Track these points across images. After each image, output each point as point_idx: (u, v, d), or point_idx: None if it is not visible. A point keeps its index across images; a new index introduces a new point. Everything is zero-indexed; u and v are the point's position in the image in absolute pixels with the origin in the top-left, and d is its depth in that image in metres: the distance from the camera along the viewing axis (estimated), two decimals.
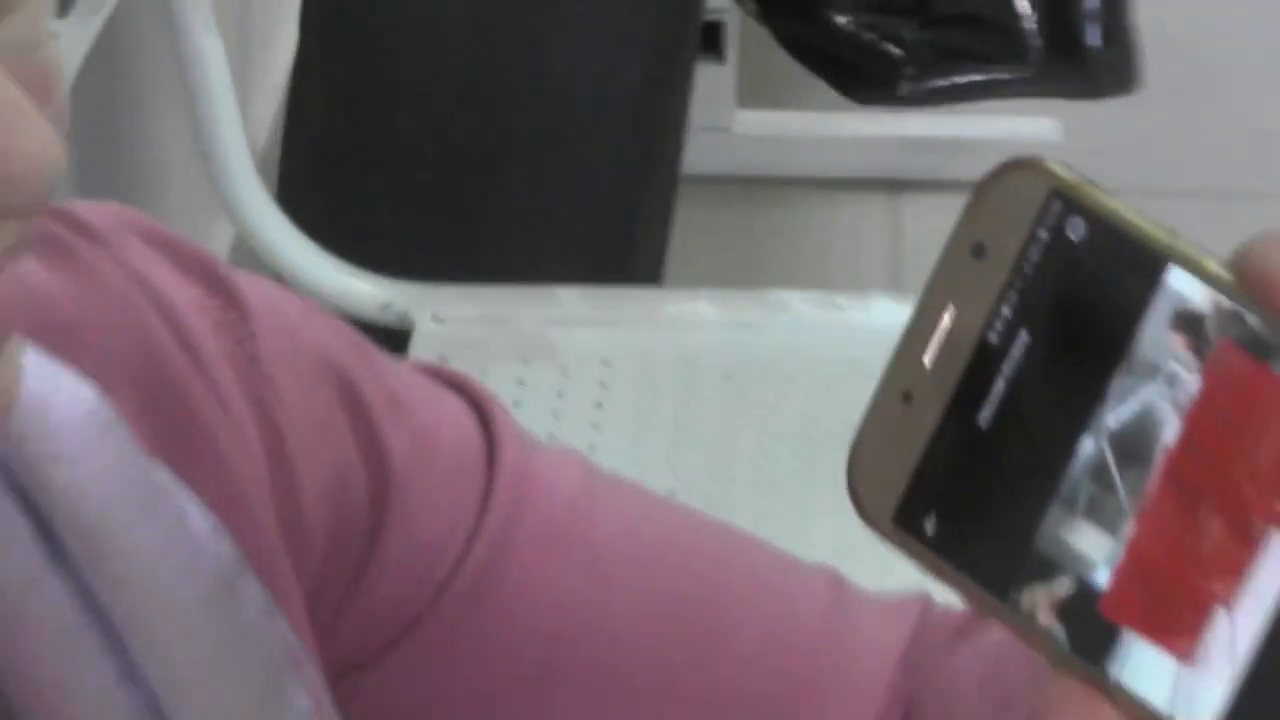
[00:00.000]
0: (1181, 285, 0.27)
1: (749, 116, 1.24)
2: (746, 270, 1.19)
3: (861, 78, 1.02)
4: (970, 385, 0.29)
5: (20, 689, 0.36)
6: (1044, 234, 0.28)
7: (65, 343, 0.37)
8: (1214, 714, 0.28)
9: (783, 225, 1.29)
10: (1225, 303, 0.28)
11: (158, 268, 0.40)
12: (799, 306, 0.77)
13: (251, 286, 0.42)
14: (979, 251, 0.29)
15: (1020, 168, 0.29)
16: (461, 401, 0.43)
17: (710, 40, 1.16)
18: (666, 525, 0.46)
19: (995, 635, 0.42)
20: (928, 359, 0.29)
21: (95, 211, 0.40)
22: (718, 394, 0.76)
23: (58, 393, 0.36)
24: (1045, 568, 0.29)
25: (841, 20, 1.01)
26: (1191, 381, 0.28)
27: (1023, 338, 0.29)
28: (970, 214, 0.29)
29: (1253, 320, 0.27)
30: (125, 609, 0.36)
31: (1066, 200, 0.28)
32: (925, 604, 0.46)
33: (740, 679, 0.45)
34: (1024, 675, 0.38)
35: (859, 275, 1.22)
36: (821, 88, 1.10)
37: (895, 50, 1.01)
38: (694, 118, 1.01)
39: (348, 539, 0.41)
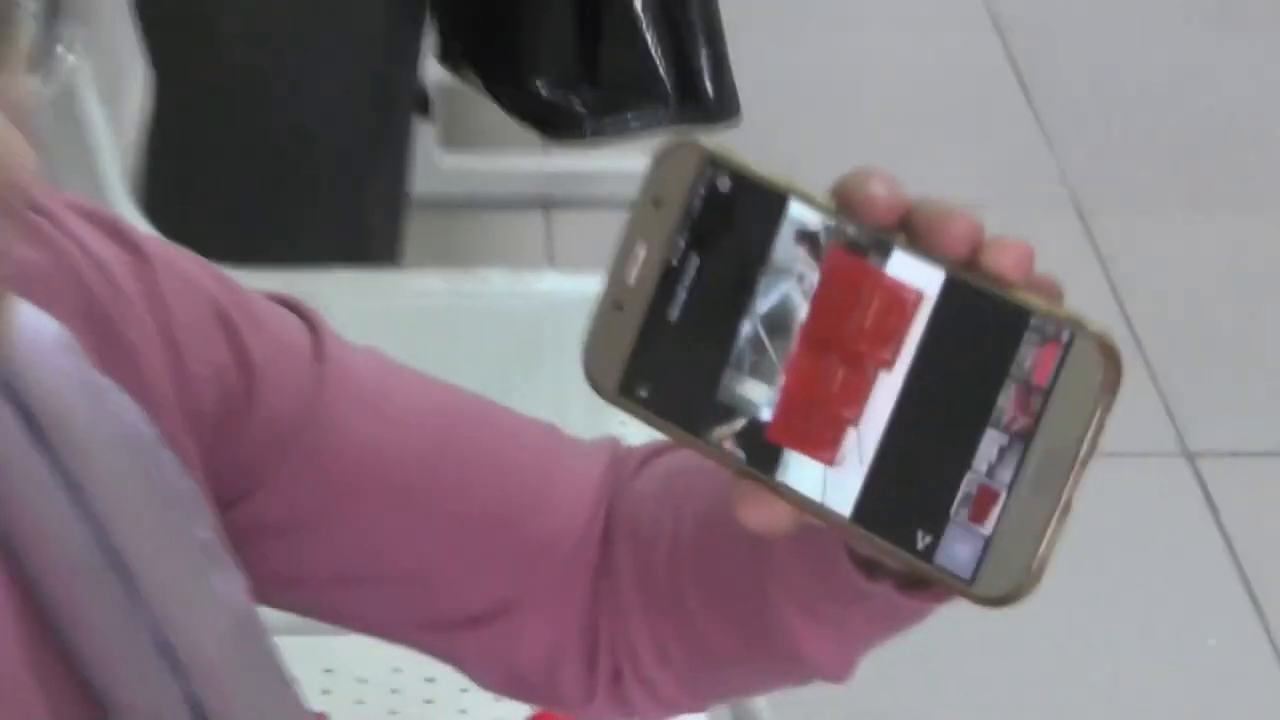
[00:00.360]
0: (800, 213, 0.36)
1: (449, 159, 1.65)
2: (452, 259, 1.59)
3: (557, 126, 1.32)
4: (661, 293, 0.37)
5: (12, 527, 0.46)
6: (701, 187, 0.37)
7: (33, 290, 0.45)
8: (851, 498, 0.36)
9: (474, 235, 1.66)
10: (829, 220, 0.36)
11: (89, 234, 0.50)
12: (497, 279, 1.11)
13: (150, 243, 0.52)
14: (658, 203, 0.37)
15: (683, 144, 0.37)
16: (294, 315, 0.55)
17: (421, 105, 1.48)
18: (438, 390, 0.57)
19: (666, 462, 0.54)
20: (630, 279, 0.37)
21: (45, 195, 0.47)
22: (440, 345, 1.02)
23: (32, 326, 0.45)
24: (727, 411, 0.37)
25: (542, 88, 1.30)
26: (813, 275, 0.36)
27: (694, 258, 0.37)
28: (650, 176, 0.37)
29: (849, 229, 0.35)
30: (83, 470, 0.46)
31: (715, 163, 0.37)
32: (615, 441, 0.57)
33: (489, 488, 0.56)
34: (699, 483, 0.49)
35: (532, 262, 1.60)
36: (499, 133, 1.46)
37: (580, 106, 1.30)
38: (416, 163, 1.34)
39: (229, 415, 0.51)
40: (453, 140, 1.63)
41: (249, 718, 0.51)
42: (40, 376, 0.47)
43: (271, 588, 0.55)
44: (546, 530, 0.56)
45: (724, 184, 0.38)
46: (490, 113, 1.43)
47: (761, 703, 1.06)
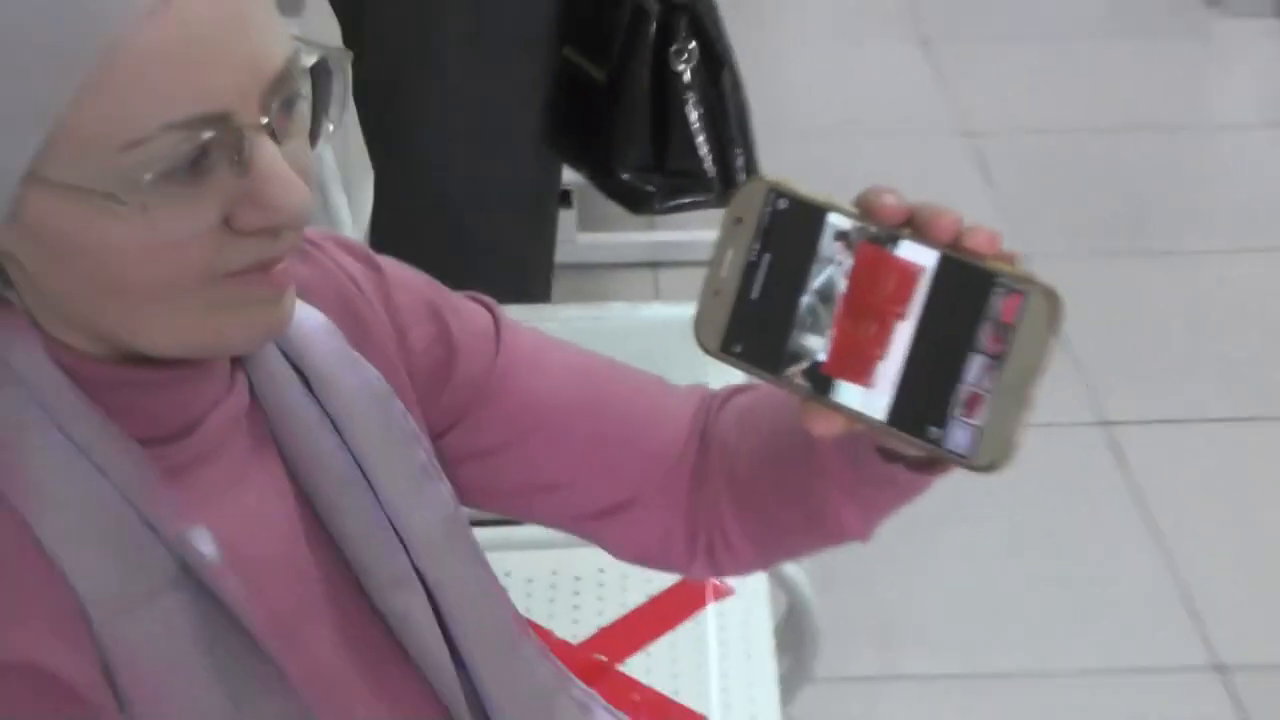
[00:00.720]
0: (836, 220, 0.51)
1: (585, 236, 2.30)
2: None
3: (636, 202, 1.65)
4: (745, 281, 0.52)
5: (297, 454, 0.62)
6: (768, 206, 0.52)
7: (308, 294, 0.62)
8: (884, 409, 0.50)
9: (604, 289, 2.30)
10: (857, 223, 0.50)
11: (343, 257, 0.67)
12: (618, 308, 1.59)
13: (384, 261, 0.69)
14: (738, 220, 0.53)
15: (754, 179, 0.51)
16: (481, 306, 0.72)
17: (565, 198, 2.02)
18: (580, 354, 0.74)
19: (741, 400, 0.69)
20: (723, 273, 0.52)
21: (311, 232, 0.60)
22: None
23: (308, 318, 0.61)
24: (794, 357, 0.51)
25: (625, 176, 1.64)
26: (848, 261, 0.50)
27: (766, 256, 0.52)
28: (732, 203, 0.52)
29: (870, 228, 0.50)
30: (343, 415, 0.63)
31: (776, 190, 0.51)
32: (704, 387, 0.73)
33: (617, 418, 0.73)
34: (767, 413, 0.64)
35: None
36: (617, 218, 1.99)
37: (651, 189, 1.64)
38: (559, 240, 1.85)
39: (438, 375, 0.69)
40: (586, 223, 2.30)
41: (456, 583, 0.68)
42: (313, 350, 0.64)
43: (472, 496, 0.73)
44: (656, 446, 0.73)
45: (782, 204, 0.53)
46: (610, 204, 1.98)
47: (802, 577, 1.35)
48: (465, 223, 1.58)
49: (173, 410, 0.61)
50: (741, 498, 0.70)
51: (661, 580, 1.28)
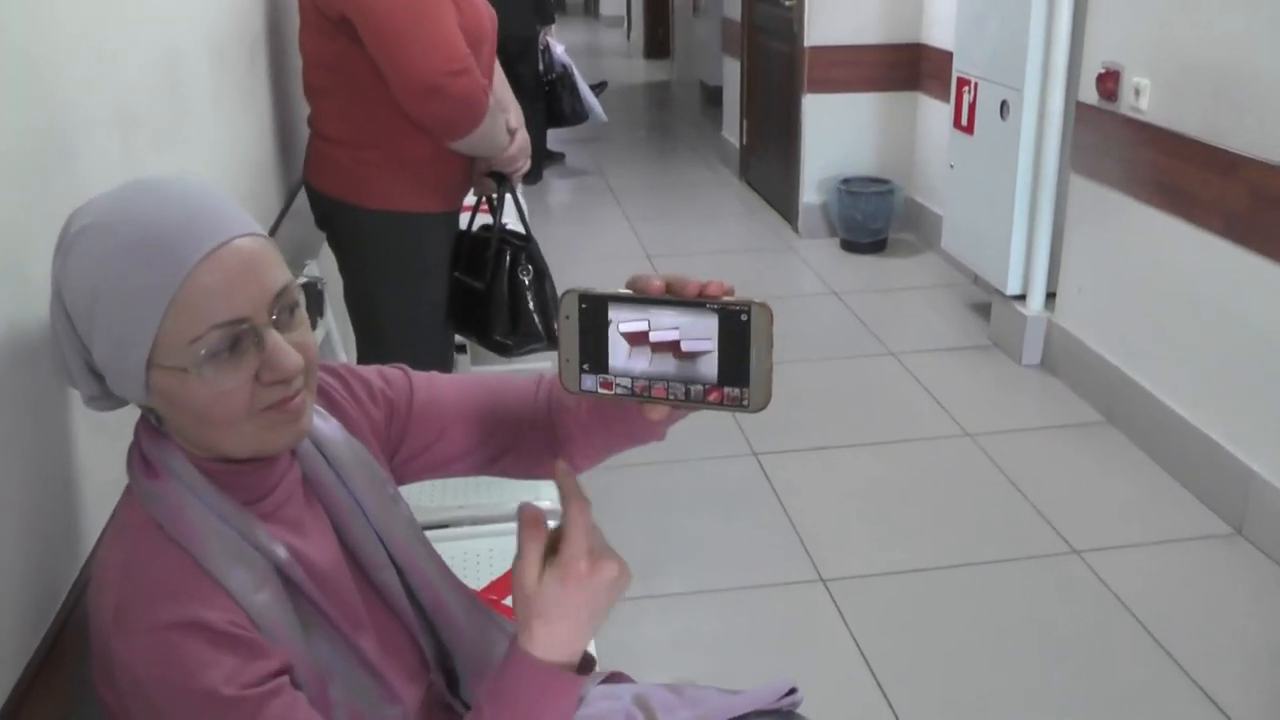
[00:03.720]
0: (619, 306, 0.80)
1: (474, 367, 3.16)
2: None
3: (504, 350, 2.20)
4: (583, 349, 0.82)
5: (329, 505, 0.93)
6: (581, 304, 0.81)
7: (320, 407, 0.98)
8: (684, 394, 0.80)
9: None
10: (638, 297, 0.80)
11: (326, 377, 1.01)
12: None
13: (342, 369, 1.02)
14: (567, 318, 0.81)
15: (569, 292, 0.80)
16: (399, 371, 1.05)
17: (461, 349, 2.72)
18: (461, 377, 1.05)
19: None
20: (566, 348, 0.82)
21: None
22: None
23: (323, 423, 0.97)
24: (621, 385, 0.81)
25: (497, 337, 2.21)
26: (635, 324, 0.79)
27: (588, 333, 0.80)
28: (560, 309, 0.81)
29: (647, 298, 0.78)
30: (349, 477, 0.96)
31: (581, 294, 0.81)
32: (538, 374, 1.04)
33: (489, 396, 1.02)
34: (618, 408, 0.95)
35: None
36: (491, 357, 3.02)
37: (510, 343, 2.20)
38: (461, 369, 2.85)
39: (387, 422, 1.02)
40: (476, 360, 3.25)
41: (416, 565, 0.96)
42: (327, 442, 0.94)
43: (428, 474, 1.04)
44: (518, 412, 1.03)
45: (588, 301, 0.79)
46: (486, 352, 2.90)
47: None
48: (406, 358, 2.11)
49: (256, 483, 0.89)
50: (584, 434, 0.96)
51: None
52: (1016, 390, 3.44)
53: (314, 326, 0.90)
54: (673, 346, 0.82)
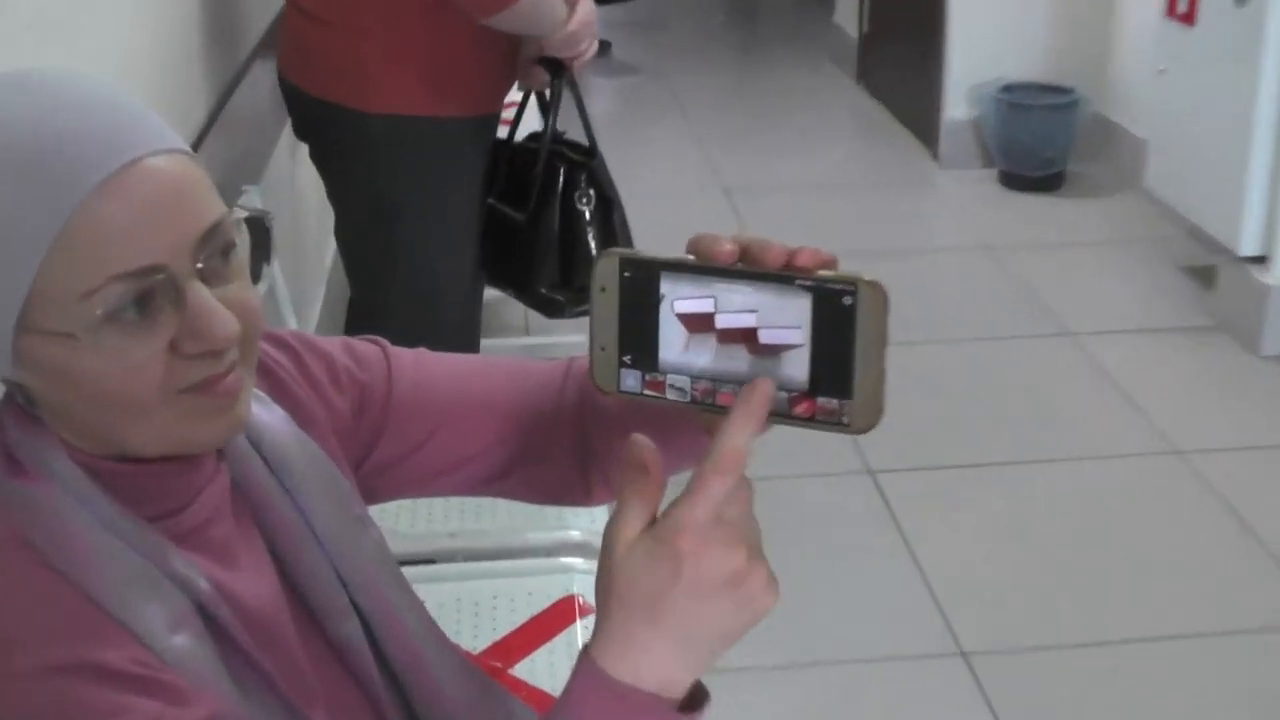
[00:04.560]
0: (676, 278, 0.85)
1: (485, 341, 3.14)
2: None
3: (552, 309, 2.37)
4: (624, 335, 0.87)
5: (267, 520, 0.97)
6: (625, 272, 0.86)
7: (261, 390, 1.02)
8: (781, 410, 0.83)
9: None
10: (702, 266, 0.84)
11: (270, 348, 1.05)
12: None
13: (293, 340, 1.06)
14: (604, 289, 0.87)
15: (606, 255, 0.85)
16: (373, 345, 1.11)
17: None
18: (456, 357, 1.12)
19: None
20: (603, 332, 0.86)
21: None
22: None
23: (264, 412, 1.01)
24: (676, 387, 0.88)
25: (543, 290, 2.35)
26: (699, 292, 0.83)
27: (633, 311, 0.85)
28: (595, 275, 0.86)
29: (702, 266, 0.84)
30: (298, 486, 0.99)
31: (624, 257, 0.85)
32: (562, 360, 1.09)
33: (497, 389, 1.09)
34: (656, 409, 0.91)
35: None
36: (506, 327, 3.27)
37: (561, 299, 2.35)
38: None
39: (355, 413, 1.08)
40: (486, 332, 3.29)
41: (386, 610, 1.00)
42: (270, 439, 0.97)
43: (407, 490, 1.09)
44: (533, 415, 1.07)
45: (632, 268, 0.83)
46: (506, 317, 3.12)
47: None
48: (418, 323, 2.33)
49: (166, 493, 0.90)
50: (622, 440, 0.92)
51: (540, 601, 1.82)
52: (1250, 391, 3.48)
53: (257, 279, 0.90)
54: (747, 336, 0.84)
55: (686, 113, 5.94)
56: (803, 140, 5.55)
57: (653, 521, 0.82)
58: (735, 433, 0.81)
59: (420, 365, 1.11)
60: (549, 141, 2.37)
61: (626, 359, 0.87)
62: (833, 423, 0.83)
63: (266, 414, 1.00)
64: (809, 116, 5.88)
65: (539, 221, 2.36)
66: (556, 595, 1.89)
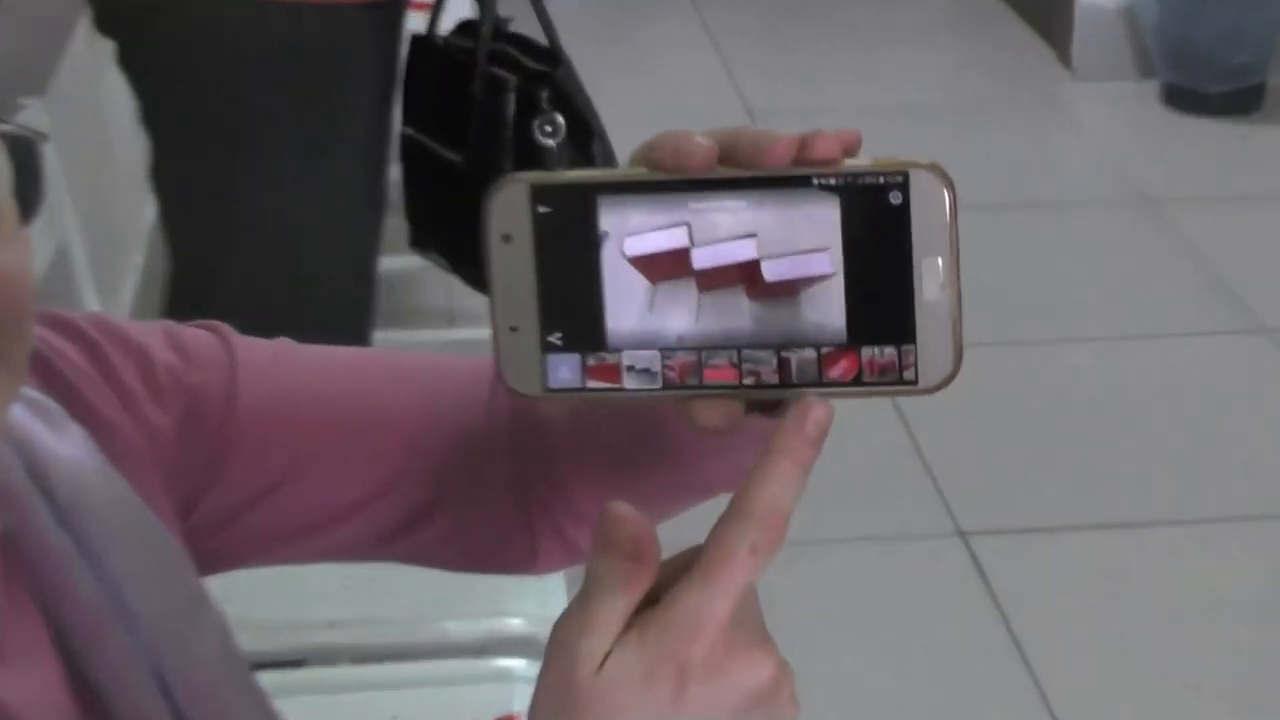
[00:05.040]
0: (621, 203, 0.85)
1: (381, 335, 3.06)
2: None
3: None
4: (546, 304, 0.87)
5: (48, 591, 0.93)
6: (538, 209, 0.85)
7: (39, 393, 0.98)
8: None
9: None
10: (658, 180, 0.85)
11: (58, 341, 1.03)
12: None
13: (88, 326, 1.05)
14: (507, 239, 0.86)
15: (509, 183, 0.85)
16: (211, 334, 1.11)
17: None
18: (341, 353, 1.15)
19: None
20: (512, 303, 0.87)
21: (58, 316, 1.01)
22: None
23: (58, 428, 0.98)
24: (636, 369, 0.88)
25: None
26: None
27: (558, 268, 0.86)
28: (493, 220, 0.86)
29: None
30: (101, 543, 0.95)
31: (538, 187, 0.85)
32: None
33: (398, 399, 1.11)
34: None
35: None
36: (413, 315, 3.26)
37: None
38: None
39: (182, 431, 1.06)
40: (381, 320, 3.19)
41: None
42: (65, 472, 0.97)
43: (260, 552, 1.11)
44: (452, 434, 1.11)
45: (552, 199, 0.84)
46: (410, 298, 3.11)
47: None
48: (285, 314, 2.30)
49: None
50: (583, 470, 1.01)
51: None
52: None
53: (25, 224, 0.89)
54: (745, 275, 0.85)
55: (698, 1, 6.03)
56: (865, 42, 5.63)
57: (635, 614, 0.83)
58: (775, 480, 0.82)
59: (281, 363, 1.13)
60: (489, 39, 2.41)
61: (554, 338, 0.88)
62: (890, 382, 0.84)
63: (55, 438, 0.99)
64: (875, 4, 5.94)
65: (482, 162, 2.41)
66: (488, 716, 1.87)
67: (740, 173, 0.85)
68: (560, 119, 2.39)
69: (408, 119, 2.50)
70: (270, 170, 2.38)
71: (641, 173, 0.86)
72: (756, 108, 5.16)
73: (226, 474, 1.10)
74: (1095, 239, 4.39)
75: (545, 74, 2.44)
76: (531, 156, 2.39)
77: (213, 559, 1.11)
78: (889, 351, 0.84)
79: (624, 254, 0.86)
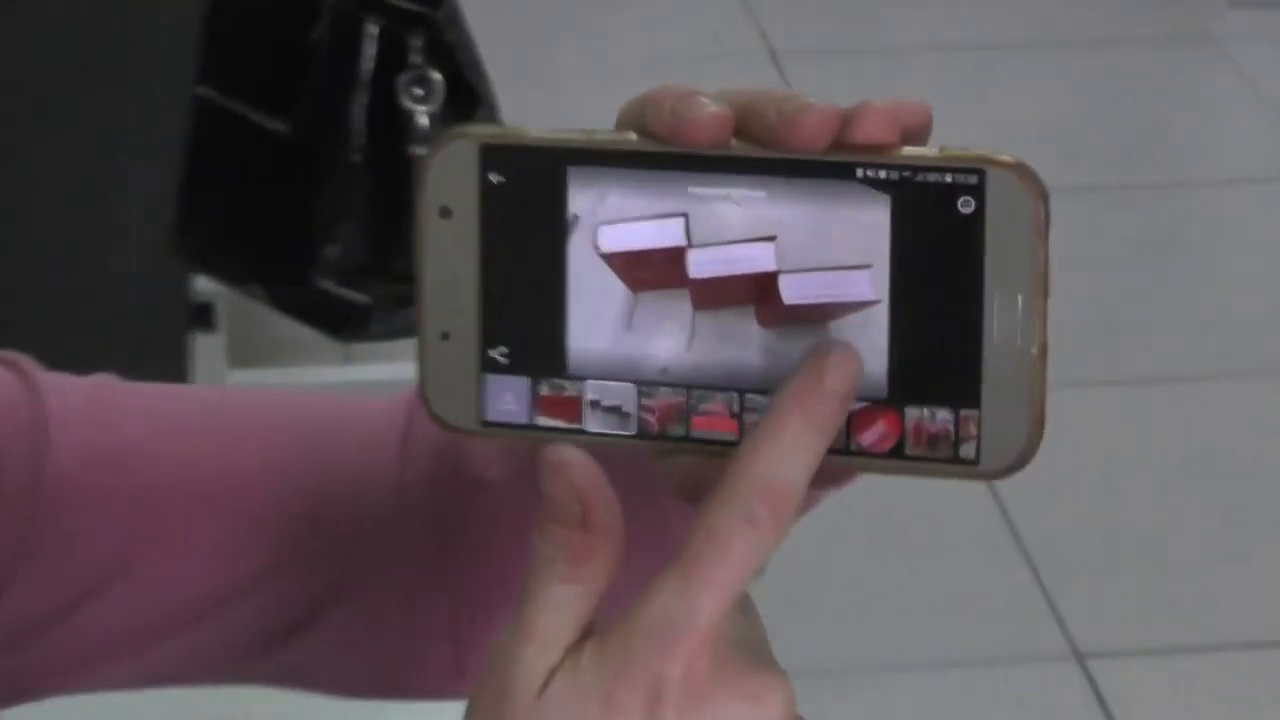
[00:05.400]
0: (598, 177, 0.70)
1: (240, 375, 2.92)
2: None
3: (343, 322, 2.12)
4: (489, 307, 0.73)
5: None
6: (494, 171, 0.73)
7: None
8: None
9: None
10: (649, 150, 0.70)
11: None
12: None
13: None
14: (445, 213, 0.74)
15: (454, 139, 0.74)
16: (2, 368, 0.97)
17: (203, 317, 2.77)
18: (181, 389, 1.13)
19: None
20: (446, 304, 0.74)
21: None
22: None
23: None
24: (599, 405, 0.71)
25: (325, 284, 2.10)
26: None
27: (510, 256, 0.73)
28: (428, 188, 0.73)
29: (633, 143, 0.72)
30: None
31: (489, 146, 0.74)
32: (409, 394, 0.97)
33: (267, 450, 0.97)
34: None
35: None
36: (296, 346, 2.76)
37: (364, 300, 2.09)
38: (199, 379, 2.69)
39: None
40: (241, 356, 2.93)
41: None
42: None
43: (74, 678, 0.99)
44: (352, 503, 0.99)
45: (510, 164, 0.74)
46: (287, 326, 2.87)
47: None
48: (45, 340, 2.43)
49: None
50: (528, 538, 0.97)
51: None
52: None
53: None
54: (758, 290, 0.74)
55: None
56: None
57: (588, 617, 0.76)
58: (778, 441, 0.71)
59: (105, 408, 1.01)
60: None
61: (498, 353, 0.75)
62: (942, 458, 0.72)
63: None
64: None
65: (321, 135, 2.24)
66: None
67: (761, 152, 0.71)
68: (437, 77, 2.22)
69: (208, 77, 2.36)
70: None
71: (630, 140, 0.72)
72: (781, 49, 4.65)
73: (32, 566, 0.94)
74: (1253, 226, 4.03)
75: (420, 15, 2.28)
76: (391, 127, 2.22)
77: (12, 689, 0.99)
78: (943, 416, 0.71)
79: (598, 248, 0.73)
